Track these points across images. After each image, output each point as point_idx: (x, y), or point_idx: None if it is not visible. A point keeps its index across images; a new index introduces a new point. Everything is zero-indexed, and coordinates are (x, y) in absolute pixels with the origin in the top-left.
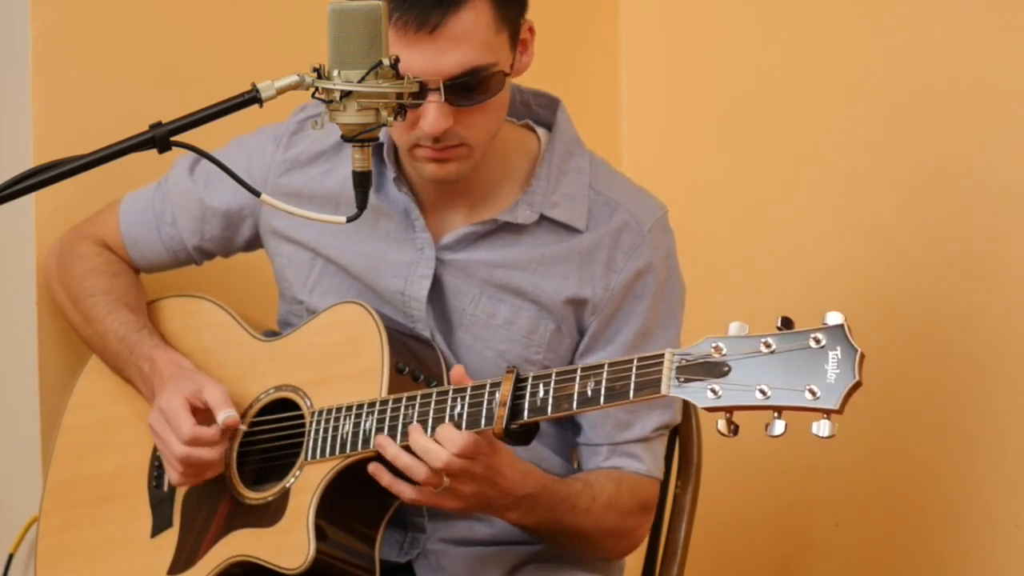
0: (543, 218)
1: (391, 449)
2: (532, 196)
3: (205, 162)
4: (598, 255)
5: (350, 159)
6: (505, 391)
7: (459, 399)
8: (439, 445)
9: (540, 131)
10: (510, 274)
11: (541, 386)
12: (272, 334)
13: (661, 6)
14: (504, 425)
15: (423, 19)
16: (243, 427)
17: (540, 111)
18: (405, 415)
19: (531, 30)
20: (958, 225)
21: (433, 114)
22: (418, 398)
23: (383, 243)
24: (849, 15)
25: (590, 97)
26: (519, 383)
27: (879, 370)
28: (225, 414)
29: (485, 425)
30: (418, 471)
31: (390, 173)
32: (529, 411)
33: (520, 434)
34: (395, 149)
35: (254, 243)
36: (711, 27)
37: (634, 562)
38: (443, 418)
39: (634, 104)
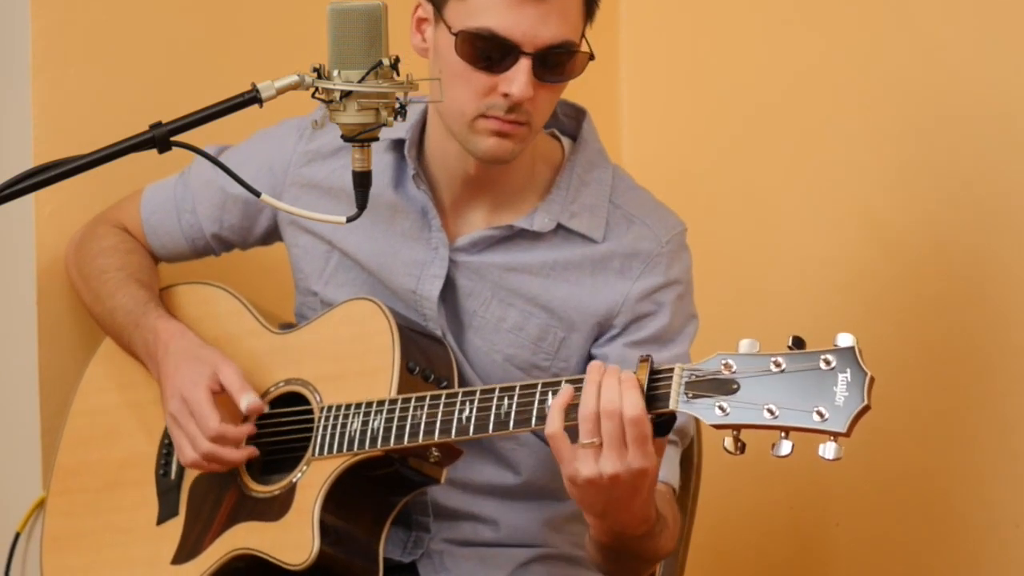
0: (560, 227)
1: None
2: (551, 205)
3: (228, 152)
4: (612, 266)
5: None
6: (642, 377)
7: (467, 402)
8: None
9: (565, 140)
10: (522, 279)
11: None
12: (288, 327)
13: (661, 7)
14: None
15: None
16: (265, 408)
17: (566, 121)
18: (414, 416)
19: None
20: (962, 225)
21: (524, 78)
22: (427, 399)
23: (398, 240)
24: (850, 16)
25: (590, 97)
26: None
27: (881, 370)
28: (247, 400)
29: (493, 430)
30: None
31: (410, 170)
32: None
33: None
34: (417, 146)
35: (272, 235)
36: (711, 28)
37: None
38: (451, 420)
39: (634, 104)
